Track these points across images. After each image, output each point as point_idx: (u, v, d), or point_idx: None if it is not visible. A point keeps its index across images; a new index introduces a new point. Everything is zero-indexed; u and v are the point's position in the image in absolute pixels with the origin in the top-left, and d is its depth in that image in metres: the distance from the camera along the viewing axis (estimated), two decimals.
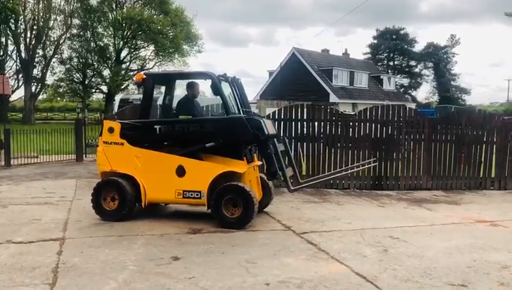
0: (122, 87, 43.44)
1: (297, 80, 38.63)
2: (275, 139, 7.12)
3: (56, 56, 43.59)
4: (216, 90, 6.83)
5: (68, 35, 42.95)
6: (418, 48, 69.38)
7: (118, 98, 31.47)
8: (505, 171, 10.63)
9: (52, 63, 43.84)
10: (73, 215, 7.21)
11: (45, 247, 5.55)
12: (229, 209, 6.60)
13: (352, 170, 9.43)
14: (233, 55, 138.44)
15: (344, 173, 9.26)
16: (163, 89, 8.34)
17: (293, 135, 10.24)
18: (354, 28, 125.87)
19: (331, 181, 9.70)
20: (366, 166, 9.41)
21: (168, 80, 7.94)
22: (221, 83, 6.96)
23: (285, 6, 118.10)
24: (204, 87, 7.93)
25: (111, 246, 5.61)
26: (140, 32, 41.62)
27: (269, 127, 7.04)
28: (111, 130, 7.04)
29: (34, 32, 41.32)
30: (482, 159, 10.53)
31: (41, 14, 41.24)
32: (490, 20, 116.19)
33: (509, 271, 5.01)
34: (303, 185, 7.61)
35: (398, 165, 10.31)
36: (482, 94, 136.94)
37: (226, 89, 7.17)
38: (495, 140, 10.61)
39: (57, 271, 4.73)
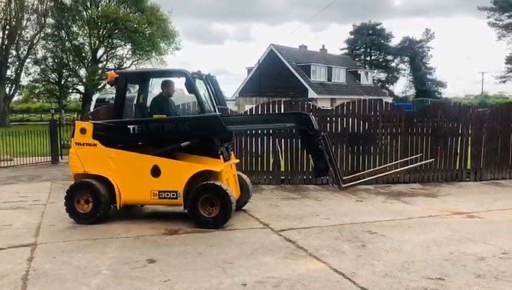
0: (100, 86, 42.70)
1: (276, 77, 38.62)
2: (324, 136, 6.87)
3: (30, 56, 42.63)
4: (190, 88, 6.72)
5: (42, 34, 42.02)
6: (394, 42, 70.22)
7: (95, 98, 30.95)
8: (480, 162, 10.77)
9: (26, 63, 42.85)
10: (46, 220, 7.02)
11: (15, 253, 5.39)
12: (206, 209, 6.51)
13: (408, 166, 8.83)
14: (210, 52, 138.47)
15: (399, 169, 8.68)
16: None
17: (271, 131, 10.18)
18: (328, 24, 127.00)
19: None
20: (423, 161, 9.07)
21: (142, 78, 7.78)
22: (195, 80, 6.86)
23: (258, 2, 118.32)
24: (182, 85, 7.82)
25: (85, 250, 5.48)
26: (116, 31, 40.99)
27: (315, 122, 6.83)
28: (83, 131, 6.88)
29: (6, 32, 40.29)
30: (458, 151, 10.64)
31: (13, 13, 40.24)
32: (462, 14, 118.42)
33: (485, 263, 5.04)
34: (355, 183, 7.27)
35: (375, 159, 10.35)
36: (457, 87, 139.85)
37: (201, 86, 7.08)
38: (470, 132, 10.73)
39: (27, 278, 4.59)
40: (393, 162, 9.53)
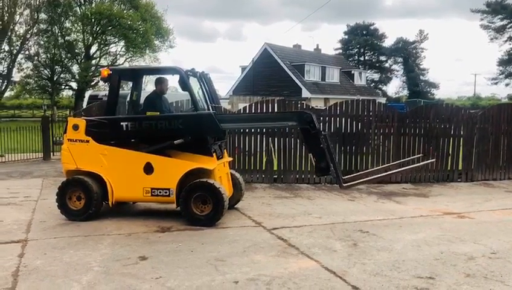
0: (93, 83, 42.48)
1: (270, 76, 38.64)
2: (325, 135, 6.87)
3: (23, 52, 42.29)
4: (184, 85, 6.71)
5: (35, 30, 41.68)
6: (388, 43, 70.53)
7: (87, 94, 30.76)
8: (471, 163, 10.84)
9: (19, 59, 42.51)
10: (37, 216, 6.99)
11: (6, 250, 5.36)
12: (198, 207, 6.51)
13: (409, 166, 8.68)
14: (202, 50, 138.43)
15: (401, 169, 8.51)
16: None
17: (264, 130, 10.20)
18: (319, 24, 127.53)
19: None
20: (424, 162, 8.91)
21: (135, 75, 7.76)
22: (189, 78, 6.84)
23: (250, 1, 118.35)
24: (176, 82, 7.81)
25: (76, 247, 5.46)
26: (110, 28, 40.76)
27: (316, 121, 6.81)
28: (76, 127, 6.85)
29: None
30: (450, 152, 10.71)
31: (5, 8, 39.92)
32: (453, 16, 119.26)
33: (475, 262, 5.09)
34: (356, 182, 7.25)
35: (368, 159, 10.39)
36: (449, 88, 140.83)
37: (195, 84, 7.06)
38: (462, 133, 10.81)
39: (18, 275, 4.57)
40: (394, 162, 9.53)
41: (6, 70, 41.86)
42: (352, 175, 7.86)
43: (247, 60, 41.56)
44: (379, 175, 7.85)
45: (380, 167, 9.29)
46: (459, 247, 5.64)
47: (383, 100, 41.84)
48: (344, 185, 6.91)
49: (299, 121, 6.88)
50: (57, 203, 6.76)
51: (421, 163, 8.88)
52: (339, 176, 6.79)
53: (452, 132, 10.76)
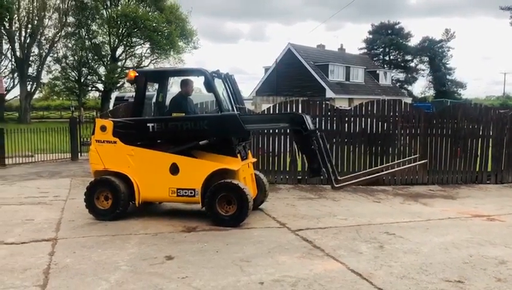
0: (118, 85, 43.21)
1: (293, 76, 38.54)
2: (321, 135, 6.90)
3: (51, 55, 43.36)
4: (209, 87, 6.76)
5: (63, 33, 42.68)
6: (414, 42, 69.44)
7: (114, 96, 31.35)
8: (501, 164, 10.59)
9: (47, 61, 43.61)
10: (66, 215, 7.14)
11: (37, 248, 5.49)
12: (223, 207, 6.54)
13: (399, 168, 8.73)
14: (224, 51, 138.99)
15: (391, 170, 8.60)
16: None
17: (288, 131, 10.17)
18: (343, 23, 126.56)
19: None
20: (417, 163, 8.95)
21: (161, 77, 7.86)
22: (214, 79, 6.89)
23: (272, 0, 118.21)
24: (200, 84, 7.88)
25: (104, 246, 5.56)
26: (135, 30, 41.44)
27: (310, 122, 6.87)
28: (103, 128, 6.97)
29: (28, 30, 41.05)
30: (478, 153, 10.48)
31: (35, 12, 40.99)
32: (480, 14, 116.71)
33: (506, 266, 4.97)
34: (348, 183, 7.26)
35: (394, 160, 10.25)
36: (477, 88, 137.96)
37: (219, 85, 7.11)
38: (491, 134, 10.56)
39: (49, 272, 4.68)
40: (389, 163, 9.45)
41: (35, 73, 43.03)
42: (348, 176, 7.82)
43: (271, 61, 41.65)
44: (371, 176, 7.86)
45: (376, 167, 9.27)
46: (489, 250, 5.51)
47: (408, 100, 41.25)
48: (336, 185, 6.93)
49: (290, 122, 6.99)
50: (85, 203, 6.89)
51: (414, 164, 8.84)
52: (331, 176, 6.79)
53: (481, 133, 10.53)
